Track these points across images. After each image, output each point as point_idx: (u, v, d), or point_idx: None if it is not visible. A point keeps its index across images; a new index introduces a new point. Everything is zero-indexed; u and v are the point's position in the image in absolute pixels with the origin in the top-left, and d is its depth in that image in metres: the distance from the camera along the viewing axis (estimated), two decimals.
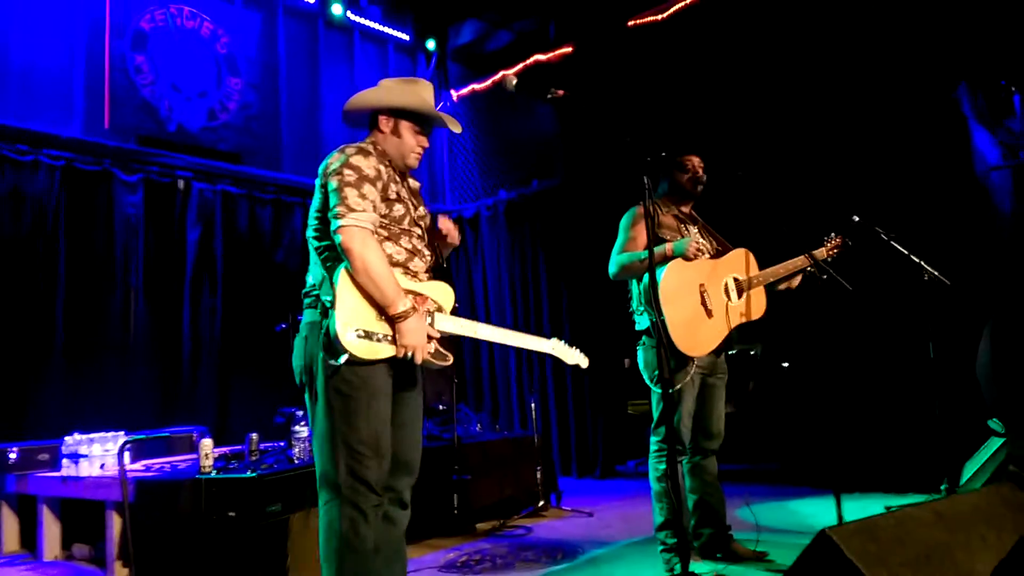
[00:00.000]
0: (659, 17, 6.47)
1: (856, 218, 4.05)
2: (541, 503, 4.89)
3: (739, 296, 3.55)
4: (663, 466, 3.35)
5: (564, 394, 6.92)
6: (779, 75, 5.86)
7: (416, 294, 2.43)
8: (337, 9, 7.40)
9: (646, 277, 3.39)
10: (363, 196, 2.31)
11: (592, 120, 6.30)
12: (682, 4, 6.25)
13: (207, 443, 3.55)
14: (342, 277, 2.28)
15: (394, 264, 2.39)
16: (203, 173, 6.36)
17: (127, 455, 4.26)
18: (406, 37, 8.10)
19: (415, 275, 2.48)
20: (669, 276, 3.32)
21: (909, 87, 5.46)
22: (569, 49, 7.05)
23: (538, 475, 4.92)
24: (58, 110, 5.70)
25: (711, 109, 6.14)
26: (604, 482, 6.50)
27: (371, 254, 2.27)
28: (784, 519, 4.46)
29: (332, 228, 2.29)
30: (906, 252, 4.09)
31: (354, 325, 2.26)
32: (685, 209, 3.70)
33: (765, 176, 5.67)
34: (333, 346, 2.25)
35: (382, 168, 2.44)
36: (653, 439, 3.46)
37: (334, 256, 2.35)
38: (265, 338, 6.00)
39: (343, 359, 2.25)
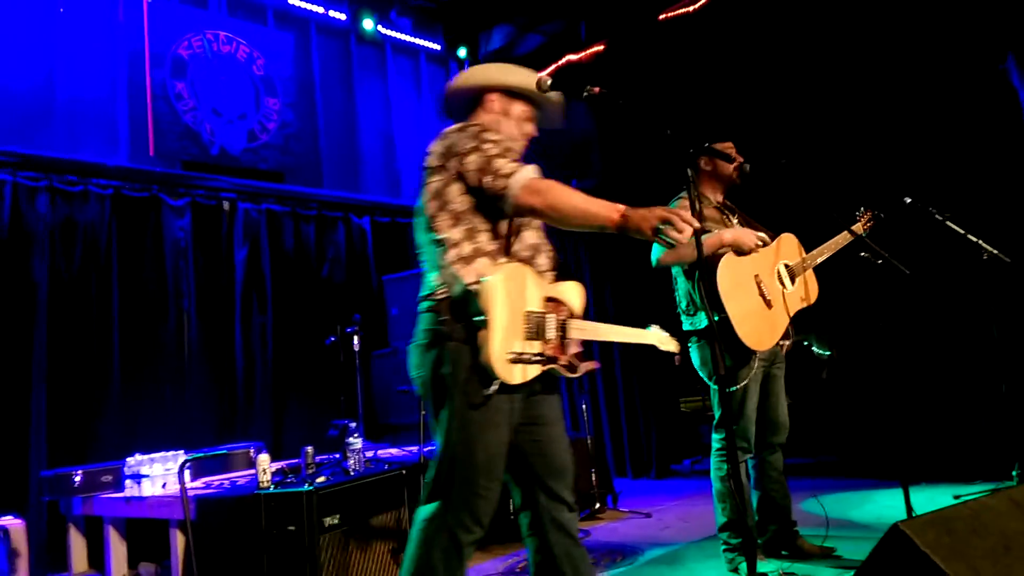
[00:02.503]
0: (690, 9, 6.39)
1: (908, 199, 3.94)
2: (597, 505, 4.85)
3: (793, 282, 3.49)
4: (728, 465, 3.28)
5: (614, 394, 6.86)
6: (818, 57, 5.74)
7: (555, 300, 2.25)
8: (368, 24, 7.47)
9: (694, 276, 3.35)
10: (515, 160, 2.16)
11: (628, 117, 6.23)
12: None
13: (264, 459, 3.60)
14: (492, 289, 2.07)
15: (520, 261, 2.21)
16: (247, 194, 6.47)
17: (187, 473, 4.35)
18: (437, 47, 8.15)
19: (542, 274, 2.27)
20: (724, 272, 3.25)
21: (955, 62, 5.30)
22: (601, 47, 7.02)
23: (593, 477, 4.88)
24: (104, 140, 5.85)
25: (749, 97, 6.04)
26: (660, 482, 6.43)
27: (560, 191, 2.06)
28: (850, 512, 4.34)
29: (507, 195, 2.10)
30: (963, 232, 3.97)
31: (508, 348, 2.08)
32: (721, 199, 3.65)
33: (810, 162, 5.58)
34: (484, 373, 2.07)
35: (510, 144, 2.26)
36: (715, 437, 3.40)
37: (459, 250, 2.16)
38: (315, 352, 6.09)
39: (494, 388, 2.08)
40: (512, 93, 2.40)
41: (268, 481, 3.45)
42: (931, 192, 4.14)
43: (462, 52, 8.22)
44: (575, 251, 7.32)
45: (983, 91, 5.25)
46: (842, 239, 3.61)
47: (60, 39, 5.72)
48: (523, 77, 2.41)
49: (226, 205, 6.39)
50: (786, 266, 3.50)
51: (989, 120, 5.20)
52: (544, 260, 2.30)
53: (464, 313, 2.11)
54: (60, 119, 5.67)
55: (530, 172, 2.12)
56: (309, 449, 4.04)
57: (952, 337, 5.05)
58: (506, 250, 2.22)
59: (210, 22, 6.62)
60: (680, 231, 1.95)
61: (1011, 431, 4.39)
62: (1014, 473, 4.04)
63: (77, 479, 4.49)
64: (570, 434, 5.82)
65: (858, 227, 3.68)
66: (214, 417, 5.94)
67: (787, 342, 3.53)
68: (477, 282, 2.11)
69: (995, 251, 3.97)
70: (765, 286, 3.35)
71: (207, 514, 3.63)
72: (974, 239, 3.98)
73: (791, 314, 3.43)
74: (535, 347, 2.16)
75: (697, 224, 2.00)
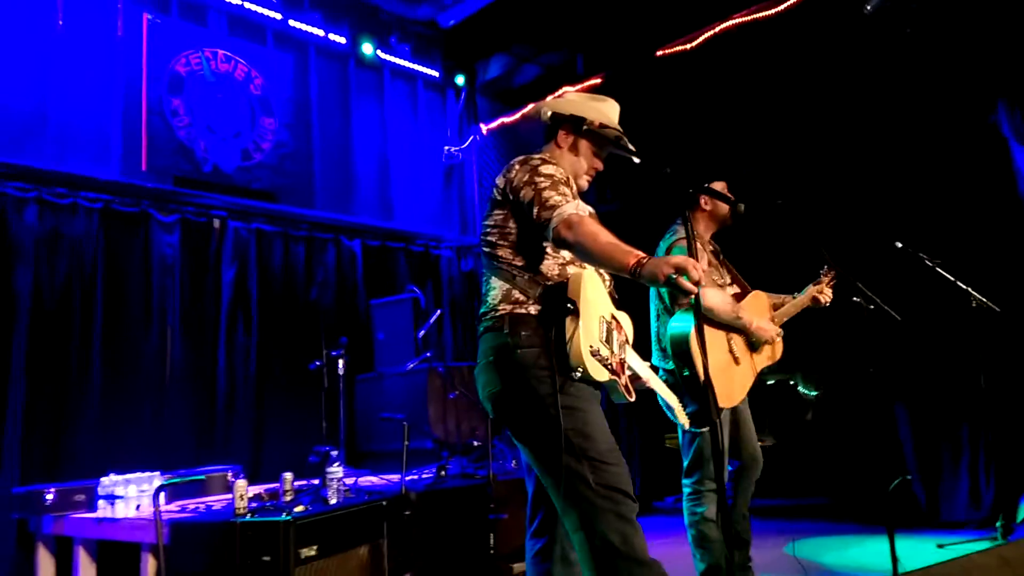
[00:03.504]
0: (688, 46, 6.44)
1: (899, 244, 3.94)
2: None
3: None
4: (701, 509, 3.26)
5: None
6: (812, 102, 5.78)
7: (617, 320, 2.36)
8: (368, 48, 7.49)
9: (670, 328, 3.31)
10: (563, 194, 2.24)
11: (629, 152, 6.23)
12: (711, 33, 6.22)
13: (241, 484, 3.52)
14: (581, 278, 2.20)
15: None
16: (238, 212, 6.43)
17: (162, 496, 4.26)
18: (435, 74, 8.18)
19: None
20: (695, 331, 3.26)
21: (947, 111, 5.35)
22: (598, 80, 7.05)
23: None
24: (96, 153, 5.81)
25: (745, 137, 6.08)
26: (643, 519, 6.31)
27: (589, 229, 2.12)
28: (832, 559, 4.29)
29: (551, 231, 2.18)
30: (952, 278, 3.97)
31: (589, 341, 2.17)
32: (713, 243, 3.64)
33: (804, 204, 5.59)
34: (568, 360, 2.14)
35: (569, 177, 2.38)
36: (686, 482, 3.37)
37: (523, 274, 2.29)
38: (299, 374, 6.01)
39: (579, 373, 2.15)
40: (579, 128, 2.46)
41: (244, 508, 3.38)
42: (926, 239, 4.15)
43: (460, 80, 8.26)
44: None
45: (975, 141, 5.30)
46: (806, 300, 3.56)
47: (57, 51, 5.70)
48: (593, 112, 2.48)
49: (216, 223, 6.34)
50: (771, 318, 3.49)
51: (981, 169, 5.25)
52: (607, 286, 2.40)
53: (550, 304, 2.21)
54: (53, 131, 5.64)
55: (572, 208, 2.19)
56: (288, 475, 3.96)
57: (939, 384, 5.04)
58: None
59: (209, 40, 6.62)
60: (695, 280, 1.97)
61: (995, 479, 4.37)
62: (998, 524, 4.02)
63: (49, 497, 4.38)
64: None
65: (822, 288, 3.58)
66: (193, 437, 5.85)
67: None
68: (566, 275, 2.25)
69: (984, 299, 3.98)
70: (734, 343, 3.35)
71: (180, 539, 3.54)
72: (964, 286, 3.98)
73: (757, 371, 3.41)
74: (606, 353, 2.23)
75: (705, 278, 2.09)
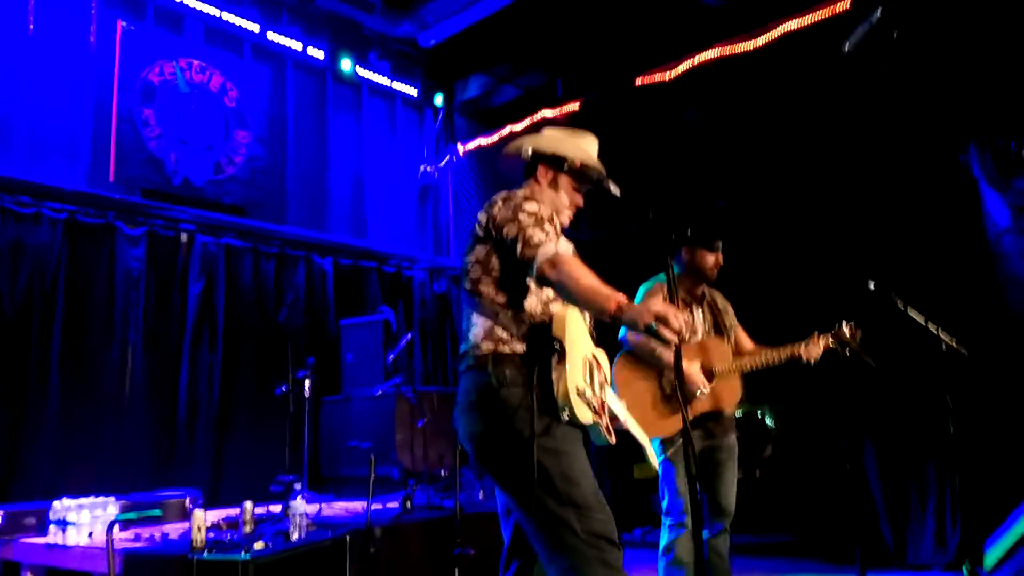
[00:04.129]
0: (666, 76, 6.46)
1: (872, 284, 3.95)
2: None
3: (708, 381, 3.42)
4: (664, 540, 3.30)
5: None
6: (788, 137, 5.82)
7: (596, 359, 2.32)
8: (346, 65, 7.42)
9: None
10: (547, 232, 2.20)
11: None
12: (690, 64, 6.24)
13: (199, 516, 3.40)
14: (565, 319, 2.17)
15: None
16: (207, 226, 6.30)
17: (116, 528, 4.11)
18: (414, 92, 8.13)
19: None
20: (623, 363, 3.37)
21: (920, 150, 5.40)
22: (576, 105, 7.05)
23: None
24: (62, 162, 5.68)
25: (719, 169, 6.09)
26: None
27: (572, 270, 2.10)
28: None
29: (534, 268, 2.15)
30: (923, 320, 3.98)
31: (575, 381, 2.13)
32: (697, 290, 3.62)
33: (777, 243, 5.60)
34: (555, 403, 2.11)
35: (553, 214, 2.33)
36: (663, 521, 3.36)
37: (506, 311, 2.24)
38: (264, 397, 5.88)
39: (566, 414, 2.10)
40: (559, 164, 2.43)
41: (202, 541, 3.26)
42: (895, 277, 4.17)
43: (439, 100, 8.22)
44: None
45: (946, 179, 5.35)
46: (774, 358, 3.49)
47: (27, 57, 5.56)
48: (573, 149, 2.45)
49: (184, 237, 6.21)
50: (702, 367, 3.44)
51: (951, 208, 5.30)
52: (587, 323, 2.35)
53: (535, 344, 2.18)
54: (19, 138, 5.50)
55: (553, 247, 2.16)
56: (248, 505, 3.85)
57: (908, 425, 5.05)
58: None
59: (185, 49, 6.51)
60: (675, 330, 1.96)
61: (961, 524, 4.38)
62: (964, 569, 4.01)
63: None
64: None
65: (816, 350, 3.47)
66: (151, 457, 5.69)
67: (728, 412, 3.50)
68: (544, 323, 2.20)
69: (953, 342, 3.99)
70: (666, 378, 3.37)
71: (133, 571, 3.42)
72: (933, 329, 3.99)
73: (697, 413, 3.38)
74: (589, 393, 2.19)
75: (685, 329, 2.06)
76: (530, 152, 2.45)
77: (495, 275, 2.27)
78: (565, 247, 2.23)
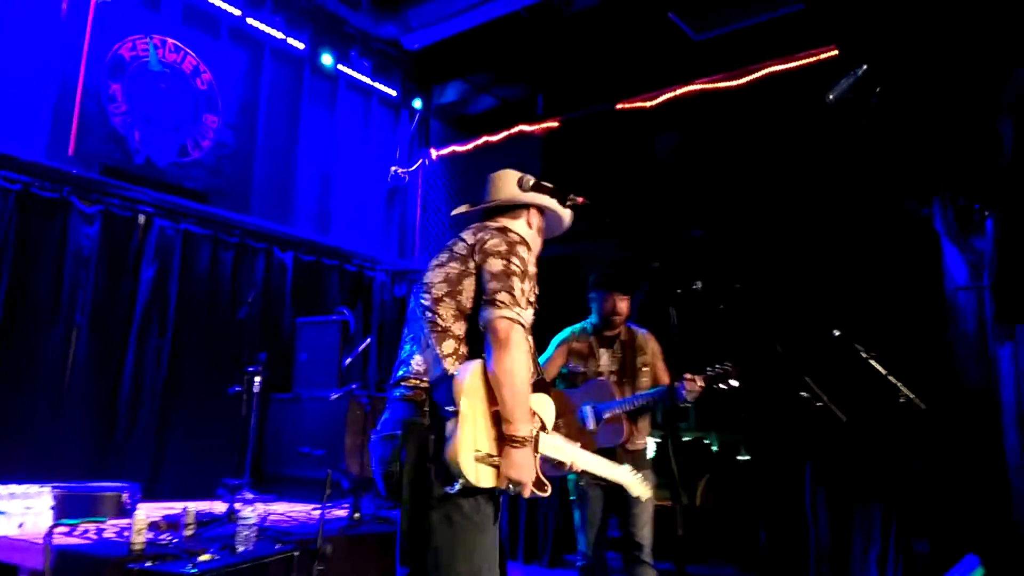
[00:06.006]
0: (647, 104, 6.49)
1: (836, 332, 4.00)
2: None
3: (596, 423, 3.61)
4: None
5: None
6: (762, 174, 5.89)
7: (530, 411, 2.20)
8: (327, 59, 7.27)
9: None
10: (522, 292, 2.14)
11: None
12: (672, 95, 6.28)
13: (141, 517, 3.26)
14: (469, 383, 2.03)
15: None
16: (166, 210, 6.09)
17: (50, 513, 3.93)
18: (393, 92, 8.01)
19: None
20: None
21: (887, 201, 5.52)
22: (556, 124, 7.04)
23: None
24: (20, 132, 5.42)
25: (694, 199, 6.13)
26: (551, 571, 6.24)
27: (524, 357, 2.05)
28: None
29: (489, 315, 2.07)
30: (884, 371, 4.05)
31: (474, 446, 2.00)
32: (608, 333, 3.79)
33: (750, 288, 5.65)
34: (447, 470, 2.00)
35: (534, 268, 2.27)
36: None
37: (456, 346, 2.14)
38: (211, 391, 5.71)
39: (457, 486, 2.00)
40: (542, 212, 2.49)
41: (142, 545, 3.13)
42: (858, 324, 4.23)
43: (417, 103, 8.12)
44: None
45: (911, 231, 5.47)
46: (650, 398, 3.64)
47: None
48: (557, 204, 2.51)
49: (141, 219, 5.99)
50: (593, 408, 3.64)
51: (913, 260, 5.42)
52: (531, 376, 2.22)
53: (439, 403, 2.08)
54: None
55: (518, 318, 2.10)
56: (191, 507, 3.73)
57: (859, 472, 5.12)
58: None
59: (160, 27, 6.30)
60: (524, 493, 2.07)
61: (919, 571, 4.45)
62: None
63: None
64: None
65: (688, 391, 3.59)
66: (89, 445, 5.45)
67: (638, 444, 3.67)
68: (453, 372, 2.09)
69: (912, 395, 4.06)
70: (562, 422, 3.50)
71: (66, 568, 3.25)
72: (894, 380, 4.05)
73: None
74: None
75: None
76: (530, 192, 2.42)
77: (460, 298, 2.19)
78: (528, 317, 2.16)
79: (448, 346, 2.15)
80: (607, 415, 3.61)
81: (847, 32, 5.45)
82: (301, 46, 7.12)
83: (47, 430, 5.21)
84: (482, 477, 2.02)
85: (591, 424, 3.60)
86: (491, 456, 2.04)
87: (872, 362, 4.06)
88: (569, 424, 3.41)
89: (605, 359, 3.76)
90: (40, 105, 5.53)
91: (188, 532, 3.60)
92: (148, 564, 2.85)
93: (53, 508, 3.93)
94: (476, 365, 2.07)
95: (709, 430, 6.60)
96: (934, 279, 5.33)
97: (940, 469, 4.57)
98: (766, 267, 5.67)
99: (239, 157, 6.73)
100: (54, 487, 4.11)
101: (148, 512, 3.78)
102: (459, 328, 2.18)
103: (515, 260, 2.16)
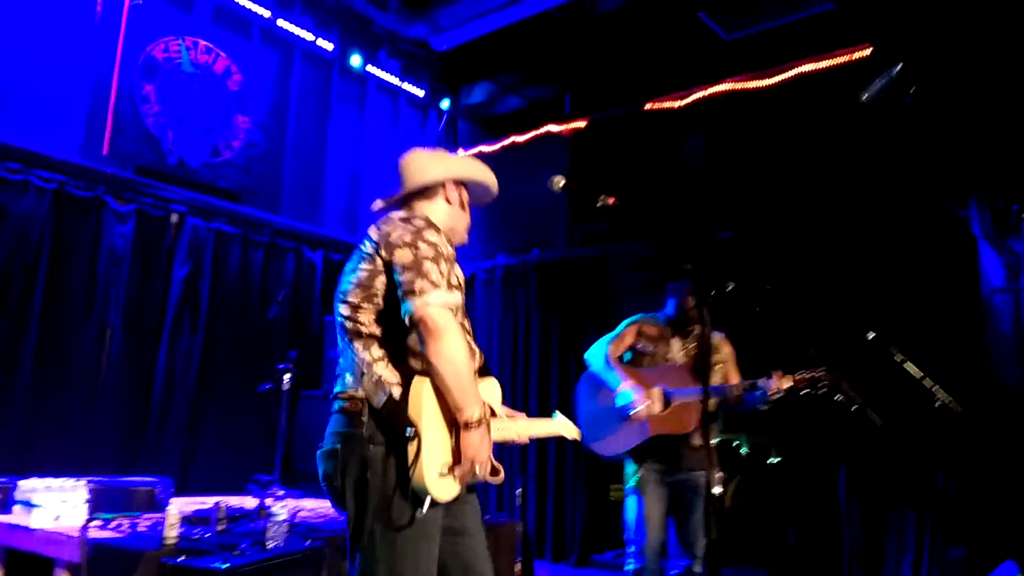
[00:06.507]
0: (676, 104, 6.45)
1: (871, 335, 3.94)
2: None
3: (664, 407, 3.50)
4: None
5: (545, 473, 6.68)
6: (793, 176, 5.82)
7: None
8: (356, 60, 7.32)
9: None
10: (442, 274, 2.03)
11: (597, 199, 6.19)
12: (702, 95, 6.24)
13: (174, 511, 3.30)
14: (427, 393, 1.98)
15: None
16: (199, 209, 6.17)
17: (84, 508, 3.99)
18: (421, 93, 8.04)
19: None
20: (586, 382, 3.65)
21: (923, 203, 5.43)
22: (583, 124, 7.02)
23: (516, 567, 4.66)
24: (56, 131, 5.52)
25: (722, 201, 6.09)
26: (579, 571, 6.23)
27: (458, 339, 1.96)
28: None
29: (411, 307, 1.97)
30: (919, 374, 3.98)
31: (438, 463, 1.97)
32: (686, 327, 3.72)
33: (783, 290, 5.59)
34: (416, 495, 1.95)
35: (450, 249, 2.16)
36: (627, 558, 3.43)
37: (384, 349, 2.06)
38: (242, 389, 5.77)
39: (427, 506, 1.95)
40: (463, 184, 2.38)
41: (175, 538, 3.16)
42: (894, 326, 4.17)
43: (445, 104, 8.14)
44: (526, 329, 7.16)
45: (947, 234, 5.37)
46: (736, 391, 3.58)
47: (28, 23, 5.40)
48: (482, 171, 2.42)
49: (174, 218, 6.07)
50: (662, 390, 3.56)
51: (949, 262, 5.32)
52: (474, 363, 2.16)
53: (389, 424, 1.98)
54: (13, 102, 5.34)
55: (443, 302, 2.01)
56: (222, 503, 3.76)
57: (894, 478, 5.04)
58: None
59: (192, 28, 6.38)
60: (463, 479, 2.03)
61: None
62: None
63: None
64: (499, 517, 5.63)
65: (773, 387, 3.47)
66: (122, 440, 5.53)
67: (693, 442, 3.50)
68: (404, 391, 2.00)
69: (948, 399, 3.99)
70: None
71: (100, 562, 3.30)
72: (929, 383, 3.99)
73: (650, 434, 3.45)
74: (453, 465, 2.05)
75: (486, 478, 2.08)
76: (437, 177, 2.31)
77: (377, 300, 2.09)
78: (451, 301, 2.04)
79: (375, 351, 2.07)
80: (677, 401, 3.48)
81: (881, 31, 5.38)
82: (330, 47, 7.17)
83: (82, 425, 5.29)
84: (447, 492, 2.00)
85: (658, 408, 3.48)
86: (452, 466, 2.00)
87: (907, 365, 4.00)
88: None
89: (676, 348, 3.68)
90: (75, 106, 5.62)
91: (220, 527, 3.64)
92: (181, 559, 2.89)
93: (88, 502, 3.98)
94: (418, 382, 2.01)
95: (739, 431, 6.54)
96: (970, 281, 5.24)
97: (976, 473, 4.49)
98: (798, 269, 5.60)
99: (269, 157, 6.79)
100: (89, 481, 4.17)
101: (180, 507, 3.86)
102: (382, 330, 2.09)
103: (423, 245, 2.06)
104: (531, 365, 6.93)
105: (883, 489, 5.04)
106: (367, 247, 2.15)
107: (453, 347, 1.96)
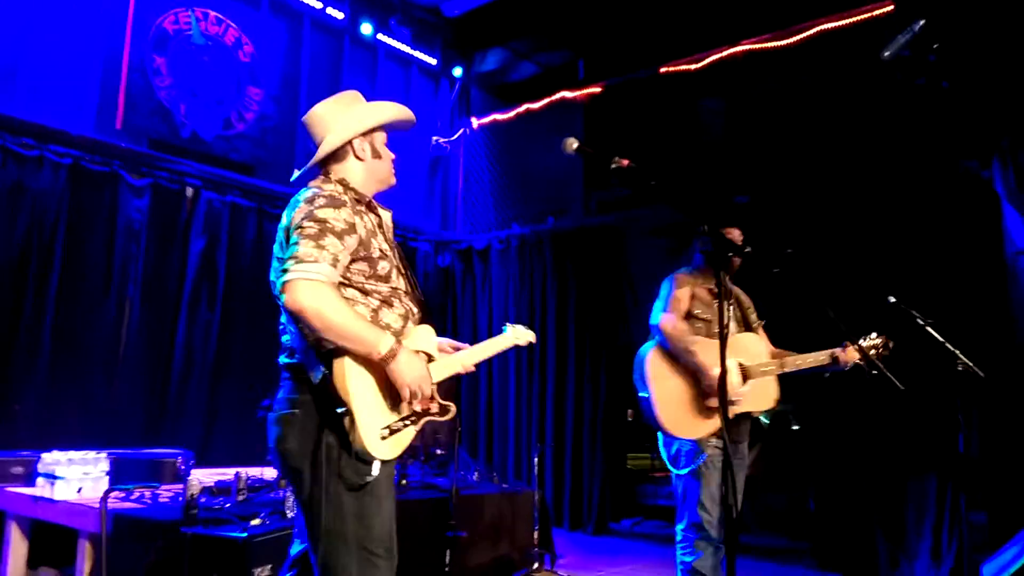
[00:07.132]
0: (692, 67, 6.33)
1: (892, 299, 3.87)
2: (536, 565, 4.65)
3: (743, 382, 3.21)
4: (688, 559, 3.10)
5: (562, 443, 6.69)
6: (813, 138, 5.71)
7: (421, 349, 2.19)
8: (367, 28, 7.24)
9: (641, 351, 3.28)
10: (320, 247, 1.98)
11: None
12: (718, 56, 6.11)
13: (195, 483, 3.33)
14: (349, 368, 1.97)
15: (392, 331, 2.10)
16: (213, 182, 6.16)
17: (106, 480, 4.04)
18: (433, 61, 7.95)
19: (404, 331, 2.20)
20: (656, 357, 3.20)
21: (945, 162, 5.31)
22: (598, 89, 6.92)
23: (535, 534, 4.68)
24: (69, 106, 5.51)
25: (741, 164, 5.99)
26: (596, 539, 6.26)
27: (326, 303, 1.92)
28: None
29: (275, 290, 1.98)
30: (942, 339, 3.91)
31: (379, 426, 2.00)
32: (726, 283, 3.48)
33: (797, 245, 5.50)
34: (360, 461, 1.98)
35: (358, 221, 2.11)
36: (678, 527, 3.22)
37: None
38: (260, 360, 5.79)
39: (375, 472, 1.99)
40: (372, 130, 2.31)
41: (196, 508, 3.19)
42: (915, 290, 4.09)
43: (458, 71, 8.05)
44: (543, 297, 7.13)
45: (970, 193, 5.26)
46: (821, 359, 3.36)
47: None
48: (390, 110, 2.38)
49: (189, 191, 6.07)
50: (739, 364, 3.24)
51: (972, 223, 5.21)
52: (412, 325, 2.22)
53: (324, 402, 1.99)
54: (25, 78, 5.33)
55: (322, 272, 1.96)
56: (243, 474, 3.79)
57: (914, 441, 5.00)
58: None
59: None
60: (412, 407, 2.06)
61: (957, 543, 4.36)
62: None
63: None
64: (517, 486, 5.64)
65: (852, 353, 3.36)
66: (142, 413, 5.60)
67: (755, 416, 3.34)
68: (328, 373, 1.98)
69: (970, 363, 3.92)
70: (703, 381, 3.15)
71: (122, 533, 3.34)
72: (951, 348, 3.92)
73: (731, 415, 3.16)
74: (404, 409, 2.08)
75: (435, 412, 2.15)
76: (350, 134, 2.25)
77: None
78: (328, 274, 1.98)
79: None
80: (758, 374, 3.23)
81: None
82: (340, 16, 7.10)
83: (103, 399, 5.35)
84: (393, 449, 2.05)
85: (737, 383, 3.17)
86: (394, 428, 2.03)
87: (929, 329, 3.93)
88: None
89: (727, 314, 3.24)
90: (87, 80, 5.61)
91: (240, 497, 3.67)
92: (201, 528, 2.92)
93: (109, 473, 4.03)
94: (337, 364, 1.99)
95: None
96: (994, 243, 5.13)
97: (999, 438, 4.43)
98: (818, 232, 5.52)
99: (281, 129, 6.76)
100: (110, 453, 4.22)
101: (201, 478, 3.89)
102: None
103: (309, 223, 2.02)
104: (547, 334, 6.90)
105: (904, 454, 5.00)
106: (283, 231, 2.13)
107: (322, 314, 1.92)
